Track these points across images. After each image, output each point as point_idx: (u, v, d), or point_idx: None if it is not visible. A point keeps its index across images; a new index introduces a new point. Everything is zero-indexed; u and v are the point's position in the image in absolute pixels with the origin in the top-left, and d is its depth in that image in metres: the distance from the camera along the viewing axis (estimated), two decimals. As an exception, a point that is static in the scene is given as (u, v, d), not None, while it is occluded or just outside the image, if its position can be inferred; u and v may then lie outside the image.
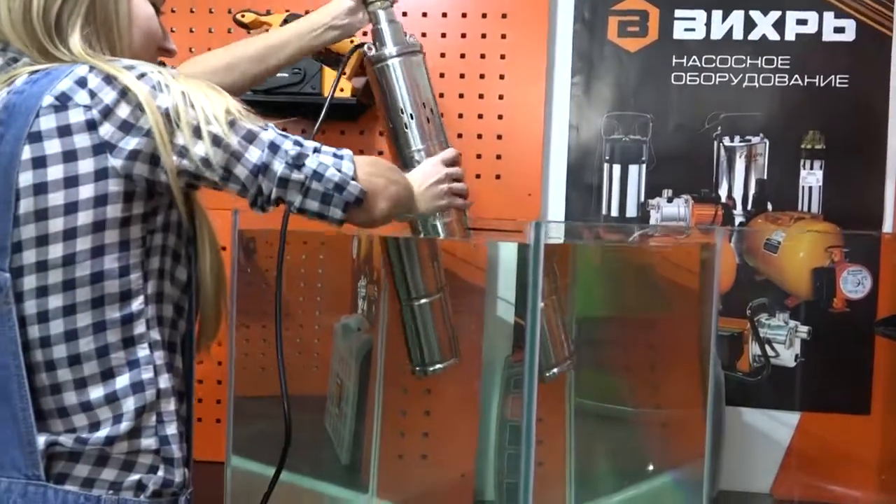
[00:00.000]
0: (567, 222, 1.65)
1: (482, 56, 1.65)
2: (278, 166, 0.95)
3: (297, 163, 0.95)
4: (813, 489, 1.62)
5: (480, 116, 1.66)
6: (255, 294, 1.47)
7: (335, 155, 0.99)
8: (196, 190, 0.98)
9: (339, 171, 0.98)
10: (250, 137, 0.94)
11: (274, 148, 0.95)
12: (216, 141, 0.92)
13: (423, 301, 1.40)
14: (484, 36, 1.65)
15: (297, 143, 0.97)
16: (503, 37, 1.65)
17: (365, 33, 1.37)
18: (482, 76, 1.66)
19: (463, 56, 1.66)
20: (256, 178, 0.94)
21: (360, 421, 1.57)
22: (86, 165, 0.88)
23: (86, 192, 0.88)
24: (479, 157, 1.66)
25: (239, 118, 0.94)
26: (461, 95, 1.65)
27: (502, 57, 1.65)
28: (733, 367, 1.65)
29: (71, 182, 0.88)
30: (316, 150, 0.98)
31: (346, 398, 1.58)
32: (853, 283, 1.62)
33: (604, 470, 1.55)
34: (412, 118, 1.32)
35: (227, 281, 1.06)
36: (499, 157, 1.66)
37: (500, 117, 1.66)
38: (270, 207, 0.98)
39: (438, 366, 1.43)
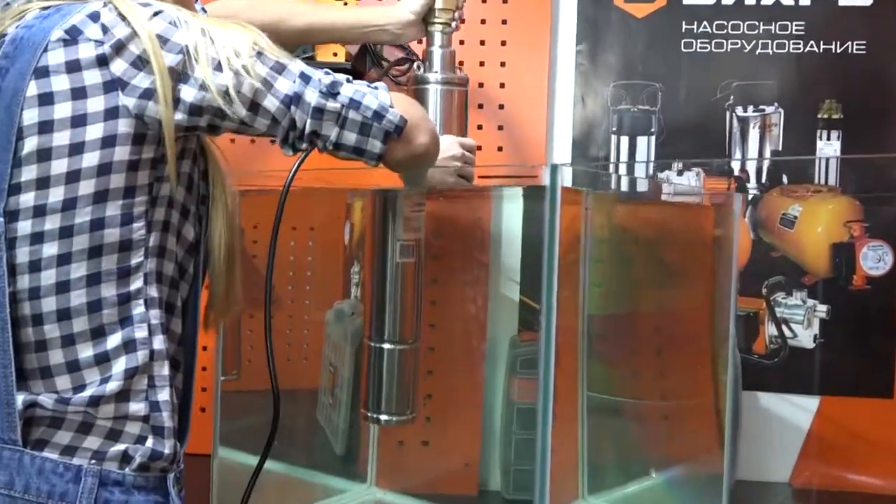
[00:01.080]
0: (576, 167, 1.57)
1: (483, 22, 1.59)
2: (312, 95, 0.89)
3: (331, 91, 0.90)
4: (834, 478, 1.55)
5: (481, 85, 1.59)
6: (246, 283, 1.40)
7: (369, 85, 0.93)
8: (217, 134, 0.91)
9: (377, 98, 0.92)
10: (279, 68, 0.88)
11: (305, 78, 0.89)
12: (240, 73, 0.85)
13: (395, 347, 1.33)
14: (485, 0, 1.59)
15: (328, 72, 0.91)
16: (505, 1, 1.59)
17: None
18: (483, 43, 1.59)
19: (463, 22, 1.57)
20: (288, 109, 0.88)
21: (357, 408, 1.49)
22: (95, 104, 0.82)
23: (94, 132, 0.82)
24: (480, 127, 1.58)
25: (266, 50, 0.88)
26: (461, 63, 1.56)
27: (504, 23, 1.59)
28: (749, 349, 1.58)
29: (78, 121, 0.82)
30: (349, 80, 0.92)
31: (340, 385, 1.51)
32: (874, 259, 1.55)
33: (617, 459, 1.48)
34: None
35: (239, 252, 0.97)
36: (500, 128, 1.59)
37: (502, 86, 1.59)
38: (303, 145, 0.92)
39: (393, 418, 1.35)
